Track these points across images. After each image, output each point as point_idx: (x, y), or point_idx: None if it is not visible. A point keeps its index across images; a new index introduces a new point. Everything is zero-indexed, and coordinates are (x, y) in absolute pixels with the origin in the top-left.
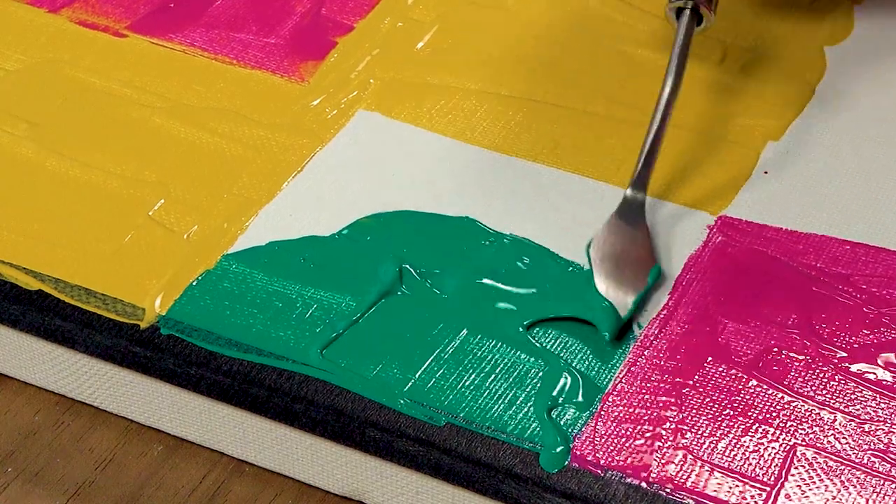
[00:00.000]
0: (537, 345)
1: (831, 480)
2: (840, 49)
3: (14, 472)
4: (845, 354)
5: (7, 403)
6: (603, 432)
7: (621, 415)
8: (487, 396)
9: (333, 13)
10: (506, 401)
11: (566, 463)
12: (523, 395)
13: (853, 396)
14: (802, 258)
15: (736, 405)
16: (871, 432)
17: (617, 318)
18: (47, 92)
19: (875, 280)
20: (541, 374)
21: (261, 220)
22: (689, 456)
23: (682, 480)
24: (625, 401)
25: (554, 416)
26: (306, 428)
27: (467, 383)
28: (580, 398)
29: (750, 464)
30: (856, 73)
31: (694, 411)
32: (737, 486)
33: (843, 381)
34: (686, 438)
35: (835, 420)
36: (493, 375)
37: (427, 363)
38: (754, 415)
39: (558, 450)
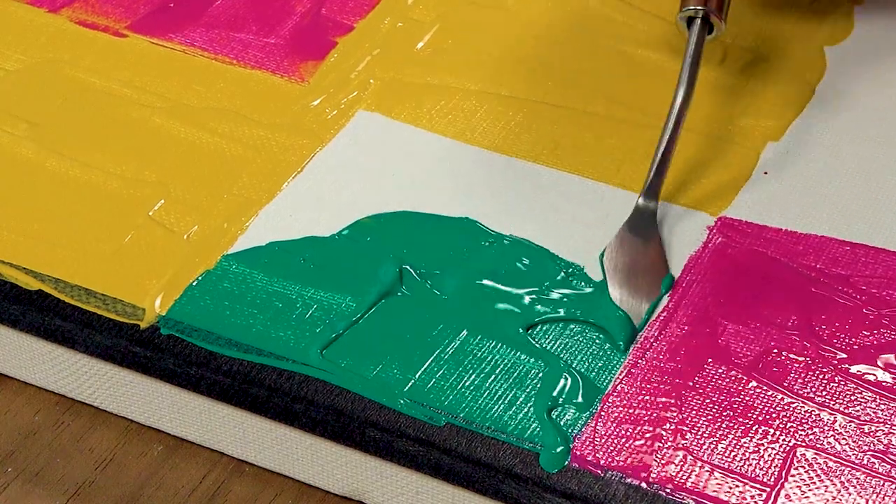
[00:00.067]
0: (537, 346)
1: (831, 481)
2: (840, 49)
3: (14, 472)
4: (845, 356)
5: (7, 403)
6: (603, 433)
7: (621, 415)
8: (487, 397)
9: (333, 13)
10: (506, 401)
11: (566, 463)
12: (523, 396)
13: (853, 397)
14: (802, 259)
15: (736, 406)
16: (871, 433)
17: (632, 328)
18: (47, 92)
19: (875, 281)
20: (541, 374)
21: (261, 221)
22: (690, 456)
23: (683, 481)
24: (625, 401)
25: (554, 417)
26: (306, 428)
27: (467, 383)
28: (580, 399)
29: (750, 464)
30: (856, 73)
31: (694, 412)
32: (737, 486)
33: (842, 383)
34: (686, 439)
35: (835, 421)
36: (493, 376)
37: (427, 363)
38: (754, 416)
39: (558, 450)
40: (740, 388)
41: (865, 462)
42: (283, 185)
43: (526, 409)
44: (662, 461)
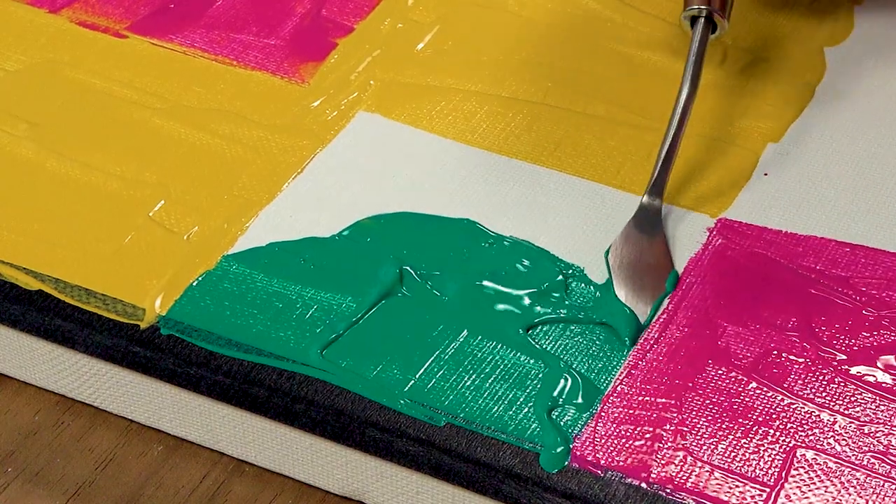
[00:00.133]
0: (537, 346)
1: (831, 481)
2: (840, 50)
3: (14, 472)
4: (845, 357)
5: (7, 403)
6: (603, 433)
7: (621, 416)
8: (488, 397)
9: (334, 14)
10: (506, 401)
11: (566, 463)
12: (523, 396)
13: (853, 398)
14: (802, 260)
15: (736, 407)
16: (871, 434)
17: (637, 324)
18: (47, 92)
19: (874, 282)
20: (541, 375)
21: (261, 221)
22: (690, 457)
23: (683, 481)
24: (625, 402)
25: (554, 417)
26: (306, 428)
27: (468, 384)
28: (580, 399)
29: (750, 465)
30: (856, 74)
31: (694, 413)
32: (737, 486)
33: (842, 384)
34: (686, 439)
35: (835, 422)
36: (494, 376)
37: (427, 364)
38: (754, 416)
39: (558, 450)
40: (740, 388)
41: (865, 463)
42: (283, 186)
43: (526, 410)
44: (662, 461)
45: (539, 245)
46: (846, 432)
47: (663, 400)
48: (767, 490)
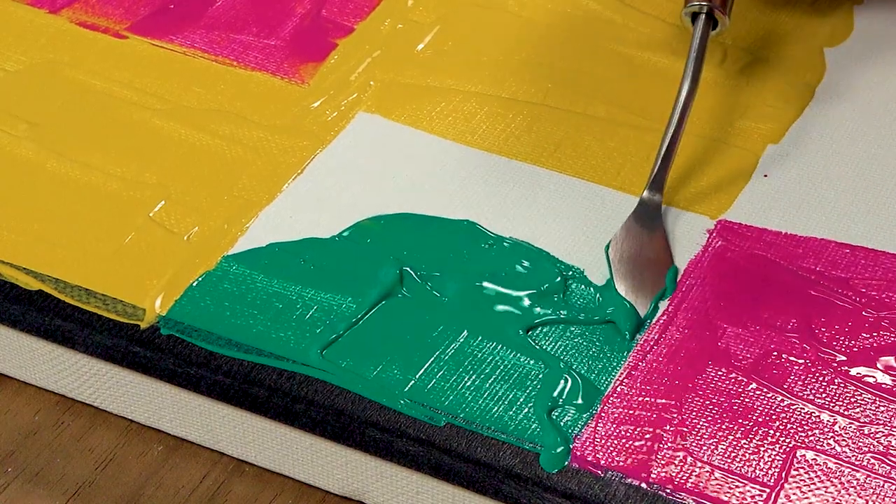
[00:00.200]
0: (537, 347)
1: (831, 482)
2: (840, 50)
3: (14, 472)
4: (845, 358)
5: (7, 403)
6: (603, 433)
7: (621, 416)
8: (488, 397)
9: (334, 15)
10: (506, 402)
11: (566, 463)
12: (523, 397)
13: (853, 399)
14: (802, 262)
15: (736, 408)
16: (871, 434)
17: (637, 318)
18: (47, 93)
19: (874, 283)
20: (541, 376)
21: (261, 222)
22: (690, 457)
23: (683, 481)
24: (625, 403)
25: (554, 418)
26: (306, 428)
27: (468, 384)
28: (580, 400)
29: (750, 465)
30: (856, 74)
31: (694, 413)
32: (737, 486)
33: (842, 385)
34: (686, 440)
35: (834, 423)
36: (494, 377)
37: (427, 364)
38: (754, 417)
39: (558, 450)
40: (740, 389)
41: (865, 463)
42: (283, 187)
43: (526, 410)
44: (662, 462)
45: (539, 246)
46: (846, 433)
47: (663, 400)
48: (767, 490)
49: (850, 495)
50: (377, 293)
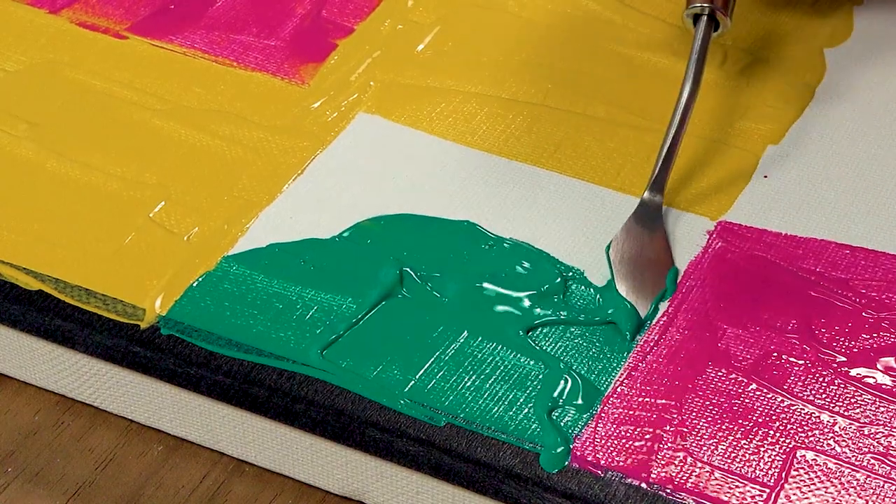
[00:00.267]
0: (537, 348)
1: (831, 482)
2: (840, 51)
3: (14, 472)
4: (845, 359)
5: (7, 403)
6: (603, 433)
7: (621, 416)
8: (488, 398)
9: (334, 15)
10: (506, 402)
11: (566, 463)
12: (524, 397)
13: (853, 400)
14: (802, 263)
15: (736, 408)
16: (871, 435)
17: (638, 319)
18: (47, 93)
19: (874, 284)
20: (541, 376)
21: (261, 222)
22: (690, 457)
23: (683, 481)
24: (625, 403)
25: (554, 418)
26: (306, 428)
27: (468, 384)
28: (580, 400)
29: (750, 465)
30: (856, 75)
31: (694, 414)
32: (737, 486)
33: (842, 385)
34: (686, 440)
35: (834, 423)
36: (494, 377)
37: (427, 365)
38: (754, 418)
39: (558, 450)
40: (740, 390)
41: (865, 464)
42: (283, 187)
43: (526, 410)
44: (663, 462)
45: (539, 247)
46: (846, 433)
47: (663, 401)
48: (767, 491)
49: (850, 496)
50: (377, 293)
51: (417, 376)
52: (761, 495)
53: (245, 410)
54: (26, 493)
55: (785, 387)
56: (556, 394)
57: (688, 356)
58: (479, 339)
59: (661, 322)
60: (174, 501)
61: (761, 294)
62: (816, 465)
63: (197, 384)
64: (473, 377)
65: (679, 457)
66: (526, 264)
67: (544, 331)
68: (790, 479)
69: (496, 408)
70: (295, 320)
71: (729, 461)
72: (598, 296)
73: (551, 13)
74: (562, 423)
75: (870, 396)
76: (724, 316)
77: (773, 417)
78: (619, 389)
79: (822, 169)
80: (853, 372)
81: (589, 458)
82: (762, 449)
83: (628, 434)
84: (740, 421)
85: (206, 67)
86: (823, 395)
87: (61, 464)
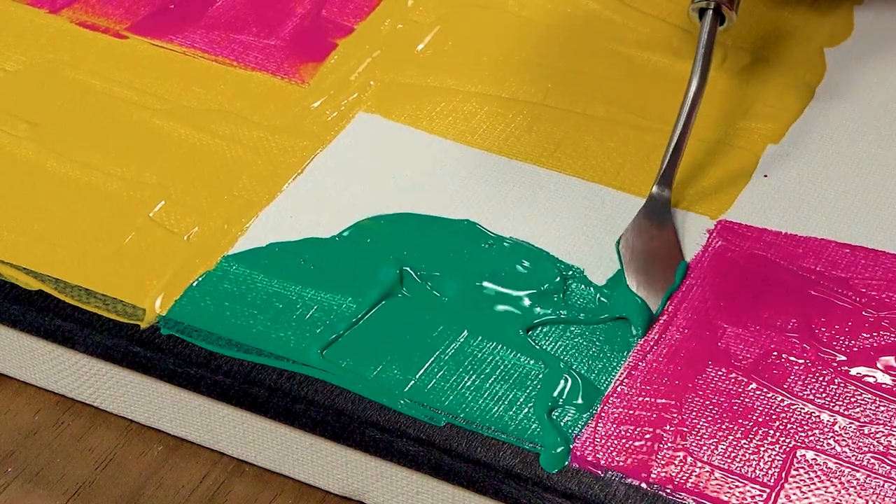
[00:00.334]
0: (537, 347)
1: (831, 482)
2: (840, 50)
3: (14, 472)
4: (845, 358)
5: (7, 403)
6: (603, 433)
7: (621, 416)
8: (488, 397)
9: (334, 15)
10: (506, 402)
11: (566, 463)
12: (524, 397)
13: (853, 399)
14: (802, 262)
15: (736, 408)
16: (871, 434)
17: (649, 314)
18: (47, 93)
19: (874, 283)
20: (541, 376)
21: (261, 222)
22: (690, 457)
23: (683, 481)
24: (625, 403)
25: (554, 418)
26: (306, 428)
27: (468, 384)
28: (580, 400)
29: (750, 465)
30: (856, 74)
31: (694, 413)
32: (737, 486)
33: (842, 385)
34: (686, 440)
35: (834, 423)
36: (494, 377)
37: (427, 364)
38: (754, 417)
39: (558, 450)
40: (740, 389)
41: (865, 463)
42: (283, 187)
43: (526, 410)
44: (662, 462)
45: (539, 246)
46: (846, 433)
47: (663, 400)
48: (767, 490)
49: (850, 495)
50: (377, 293)
51: (417, 376)
52: (761, 495)
53: (245, 410)
54: (26, 493)
55: (785, 386)
56: (556, 393)
57: (688, 355)
58: (479, 338)
59: (662, 321)
60: (174, 501)
61: (761, 293)
62: (816, 464)
63: (197, 384)
64: (473, 377)
65: (679, 456)
66: (526, 263)
67: (544, 330)
68: (790, 479)
69: (496, 407)
70: (295, 320)
71: (729, 461)
72: (597, 294)
73: (551, 13)
74: (562, 423)
75: (870, 396)
76: (724, 315)
77: (773, 417)
78: (619, 389)
79: (822, 168)
80: (853, 371)
81: (589, 458)
82: (762, 448)
83: (628, 434)
84: (740, 420)
85: (206, 67)
86: (823, 395)
87: (61, 464)
